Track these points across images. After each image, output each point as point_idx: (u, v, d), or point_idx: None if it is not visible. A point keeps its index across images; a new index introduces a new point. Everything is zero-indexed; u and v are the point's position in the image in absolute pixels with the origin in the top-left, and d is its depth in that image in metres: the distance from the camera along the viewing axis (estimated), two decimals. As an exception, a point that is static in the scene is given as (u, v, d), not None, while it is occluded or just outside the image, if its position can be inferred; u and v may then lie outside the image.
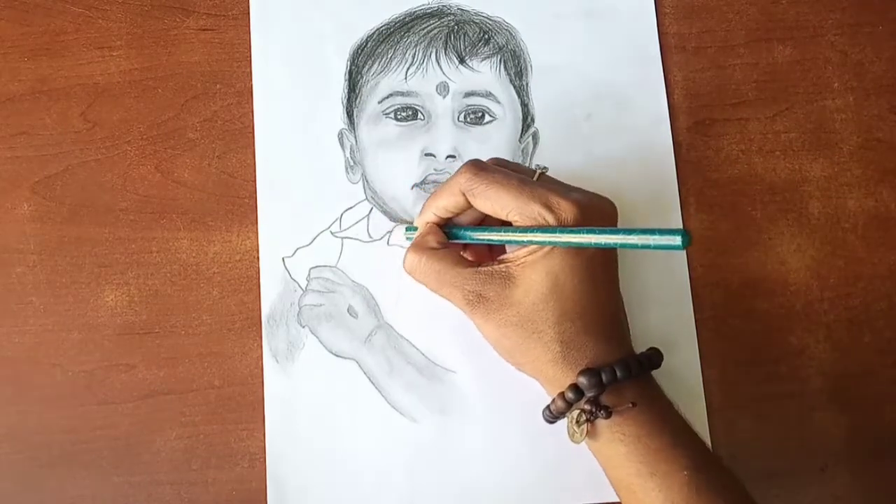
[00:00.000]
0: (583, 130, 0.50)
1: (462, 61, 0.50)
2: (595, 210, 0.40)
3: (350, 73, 0.51)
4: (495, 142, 0.49)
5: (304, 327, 0.48)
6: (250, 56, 0.51)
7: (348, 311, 0.48)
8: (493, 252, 0.45)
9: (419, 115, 0.50)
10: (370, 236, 0.49)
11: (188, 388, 0.47)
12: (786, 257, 0.48)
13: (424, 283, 0.43)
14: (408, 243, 0.45)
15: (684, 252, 0.48)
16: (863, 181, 0.49)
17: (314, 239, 0.49)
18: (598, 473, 0.45)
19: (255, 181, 0.49)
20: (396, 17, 0.51)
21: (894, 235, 0.49)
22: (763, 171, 0.49)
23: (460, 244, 0.44)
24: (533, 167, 0.42)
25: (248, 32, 0.51)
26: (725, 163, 0.50)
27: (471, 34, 0.51)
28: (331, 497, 0.46)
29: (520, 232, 0.40)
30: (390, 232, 0.49)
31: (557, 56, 0.51)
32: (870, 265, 0.48)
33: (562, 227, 0.39)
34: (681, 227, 0.37)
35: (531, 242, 0.40)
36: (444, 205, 0.43)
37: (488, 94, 0.50)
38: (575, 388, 0.39)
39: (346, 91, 0.50)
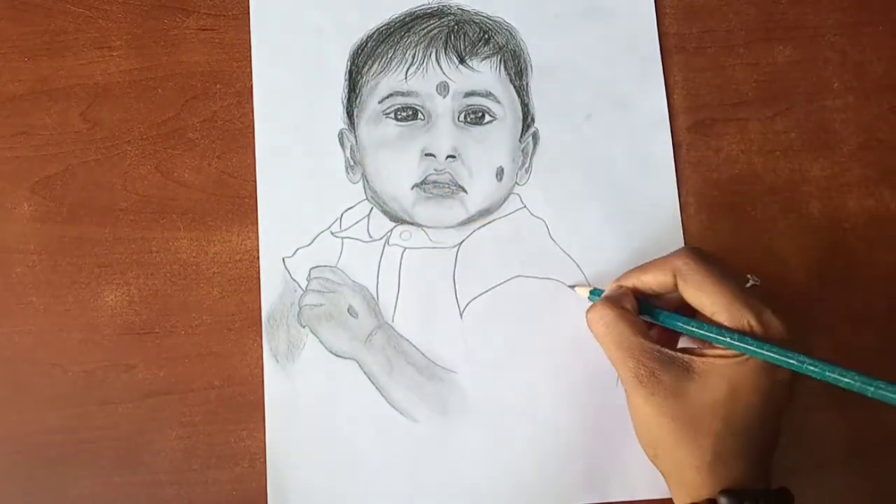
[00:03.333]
0: (583, 130, 0.50)
1: (462, 61, 0.50)
2: (796, 340, 0.39)
3: (350, 73, 0.51)
4: (495, 142, 0.49)
5: (304, 327, 0.48)
6: (250, 56, 0.51)
7: (348, 311, 0.48)
8: (672, 342, 0.44)
9: (419, 115, 0.50)
10: (370, 236, 0.49)
11: (188, 388, 0.47)
12: (786, 257, 0.48)
13: (600, 339, 0.41)
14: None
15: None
16: (863, 181, 0.49)
17: (314, 239, 0.49)
18: (598, 473, 0.45)
19: (255, 181, 0.49)
20: (396, 17, 0.51)
21: (894, 235, 0.49)
22: (763, 171, 0.49)
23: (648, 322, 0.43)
24: (748, 277, 0.41)
25: (248, 32, 0.51)
26: (725, 163, 0.50)
27: (471, 34, 0.51)
28: (331, 497, 0.46)
29: (730, 335, 0.38)
30: (391, 232, 0.49)
31: (557, 56, 0.51)
32: (870, 265, 0.48)
33: (772, 342, 0.38)
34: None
35: (739, 348, 0.38)
36: (650, 280, 0.42)
37: (488, 94, 0.50)
38: (712, 503, 0.37)
39: (346, 91, 0.51)
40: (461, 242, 0.49)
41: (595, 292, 0.45)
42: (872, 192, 0.49)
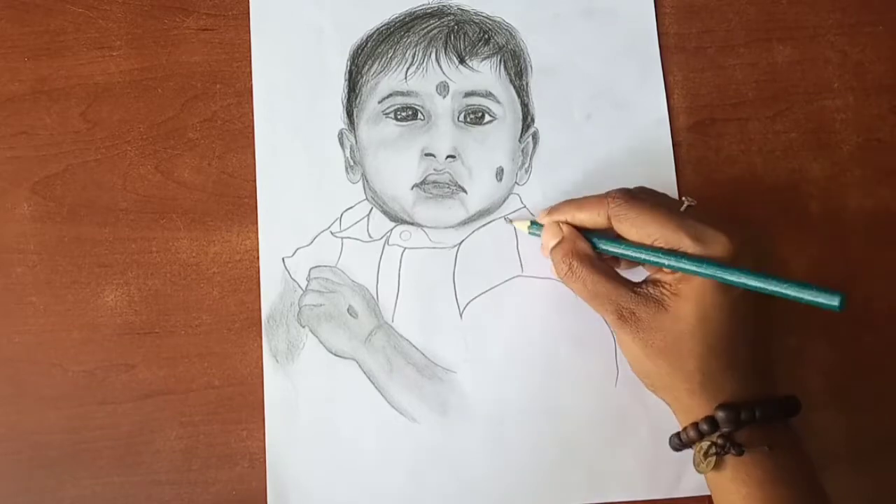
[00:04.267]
0: (583, 130, 0.50)
1: (462, 61, 0.50)
2: (744, 248, 0.40)
3: (350, 72, 0.51)
4: (495, 142, 0.49)
5: (304, 327, 0.48)
6: (250, 56, 0.51)
7: (348, 311, 0.48)
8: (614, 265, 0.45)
9: (419, 115, 0.50)
10: (370, 236, 0.49)
11: (188, 388, 0.47)
12: (786, 257, 0.48)
13: (578, 292, 0.43)
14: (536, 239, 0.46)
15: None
16: (863, 181, 0.49)
17: (314, 239, 0.49)
18: (597, 473, 0.45)
19: (255, 181, 0.49)
20: (396, 17, 0.51)
21: (894, 235, 0.49)
22: (763, 171, 0.49)
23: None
24: (683, 199, 0.42)
25: (248, 32, 0.51)
26: (725, 163, 0.50)
27: (471, 34, 0.51)
28: (331, 497, 0.46)
29: (669, 257, 0.40)
30: (390, 232, 0.49)
31: (557, 56, 0.51)
32: (870, 265, 0.48)
33: (711, 259, 0.39)
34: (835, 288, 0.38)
35: (677, 268, 0.40)
36: (582, 218, 0.44)
37: (488, 94, 0.50)
38: (711, 420, 0.39)
39: (346, 91, 0.50)
40: (461, 242, 0.49)
41: (534, 225, 0.46)
42: (872, 192, 0.49)
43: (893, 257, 0.48)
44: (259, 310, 0.48)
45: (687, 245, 0.40)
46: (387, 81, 0.50)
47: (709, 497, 0.42)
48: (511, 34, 0.51)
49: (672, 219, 0.41)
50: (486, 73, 0.50)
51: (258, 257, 0.49)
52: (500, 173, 0.49)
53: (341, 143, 0.50)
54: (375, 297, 0.48)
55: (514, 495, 0.46)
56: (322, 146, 0.50)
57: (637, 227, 0.41)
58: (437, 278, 0.48)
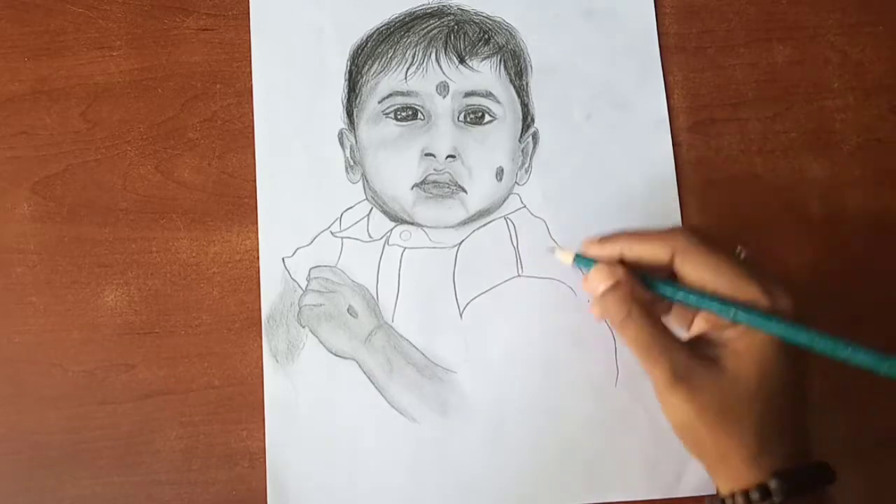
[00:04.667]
0: (583, 130, 0.50)
1: (462, 61, 0.50)
2: (803, 319, 0.38)
3: (350, 72, 0.51)
4: (495, 142, 0.49)
5: (304, 327, 0.48)
6: (250, 56, 0.51)
7: (348, 311, 0.48)
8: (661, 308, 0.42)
9: (419, 115, 0.50)
10: (370, 236, 0.49)
11: (188, 388, 0.47)
12: (786, 257, 0.48)
13: (628, 340, 0.39)
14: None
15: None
16: (863, 181, 0.49)
17: (314, 239, 0.49)
18: (597, 473, 0.45)
19: (255, 181, 0.49)
20: (396, 17, 0.51)
21: (894, 235, 0.49)
22: (763, 171, 0.49)
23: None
24: (737, 248, 0.40)
25: (248, 32, 0.51)
26: (725, 163, 0.50)
27: (471, 34, 0.51)
28: (331, 497, 0.46)
29: (738, 307, 0.37)
30: (390, 232, 0.49)
31: (557, 56, 0.51)
32: (870, 265, 0.48)
33: (780, 315, 0.37)
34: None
35: (746, 321, 0.37)
36: (641, 252, 0.40)
37: (488, 94, 0.50)
38: (763, 489, 0.37)
39: (346, 91, 0.51)
40: (461, 242, 0.49)
41: (580, 260, 0.42)
42: (872, 192, 0.49)
43: (893, 257, 0.48)
44: (259, 310, 0.48)
45: (757, 297, 0.37)
46: (387, 81, 0.50)
47: (708, 497, 0.42)
48: (511, 34, 0.51)
49: (742, 267, 0.38)
50: (486, 73, 0.50)
51: (258, 257, 0.49)
52: (500, 173, 0.49)
53: (341, 143, 0.50)
54: (375, 297, 0.48)
55: (514, 495, 0.46)
56: (322, 146, 0.50)
57: (705, 269, 0.38)
58: (437, 278, 0.48)
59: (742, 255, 0.40)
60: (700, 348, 0.39)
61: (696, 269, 0.38)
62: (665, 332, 0.38)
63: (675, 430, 0.39)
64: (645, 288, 0.39)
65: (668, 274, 0.40)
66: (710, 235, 0.40)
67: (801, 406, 0.39)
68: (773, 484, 0.37)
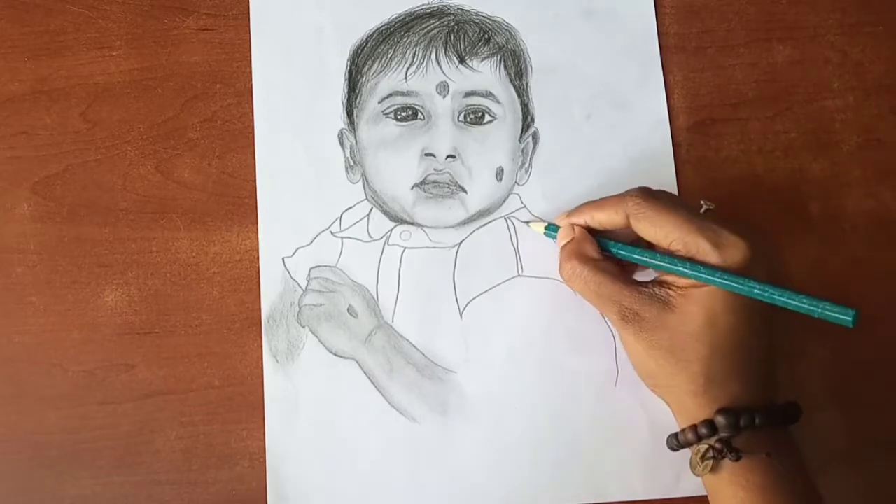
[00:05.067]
0: (583, 130, 0.50)
1: (462, 61, 0.50)
2: (759, 255, 0.40)
3: (350, 72, 0.51)
4: (495, 142, 0.49)
5: (304, 327, 0.48)
6: (250, 56, 0.51)
7: (348, 311, 0.48)
8: (628, 268, 0.45)
9: (419, 115, 0.50)
10: (370, 236, 0.49)
11: (188, 388, 0.47)
12: (786, 257, 0.48)
13: (581, 293, 0.43)
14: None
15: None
16: (863, 181, 0.49)
17: (314, 239, 0.49)
18: (597, 473, 0.45)
19: (255, 181, 0.49)
20: (396, 17, 0.51)
21: (894, 235, 0.49)
22: (763, 171, 0.49)
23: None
24: (701, 202, 0.43)
25: (248, 32, 0.51)
26: (725, 163, 0.50)
27: (471, 34, 0.51)
28: (331, 497, 0.46)
29: (683, 265, 0.40)
30: (390, 232, 0.49)
31: (557, 56, 0.51)
32: (870, 265, 0.48)
33: (726, 267, 0.39)
34: (849, 305, 0.38)
35: (693, 277, 0.40)
36: (601, 218, 0.43)
37: (488, 94, 0.50)
38: (710, 424, 0.39)
39: (346, 91, 0.51)
40: (461, 242, 0.49)
41: (550, 227, 0.46)
42: (872, 192, 0.49)
43: (893, 257, 0.48)
44: (259, 310, 0.48)
45: (705, 249, 0.40)
46: (387, 81, 0.50)
47: (707, 498, 0.42)
48: (511, 34, 0.51)
49: (692, 220, 0.40)
50: (486, 73, 0.50)
51: (258, 257, 0.49)
52: (500, 173, 0.49)
53: (341, 143, 0.50)
54: (375, 297, 0.48)
55: (514, 495, 0.46)
56: (322, 146, 0.50)
57: (656, 226, 0.41)
58: (437, 278, 0.48)
59: (704, 209, 0.42)
60: (654, 291, 0.41)
61: (648, 229, 0.41)
62: (615, 279, 0.42)
63: (634, 366, 0.43)
64: (597, 244, 0.44)
65: (635, 236, 0.43)
66: (665, 193, 0.43)
67: (756, 350, 0.41)
68: (718, 419, 0.39)
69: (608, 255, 0.44)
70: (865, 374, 0.47)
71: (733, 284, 0.39)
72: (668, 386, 0.41)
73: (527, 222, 0.48)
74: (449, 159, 0.49)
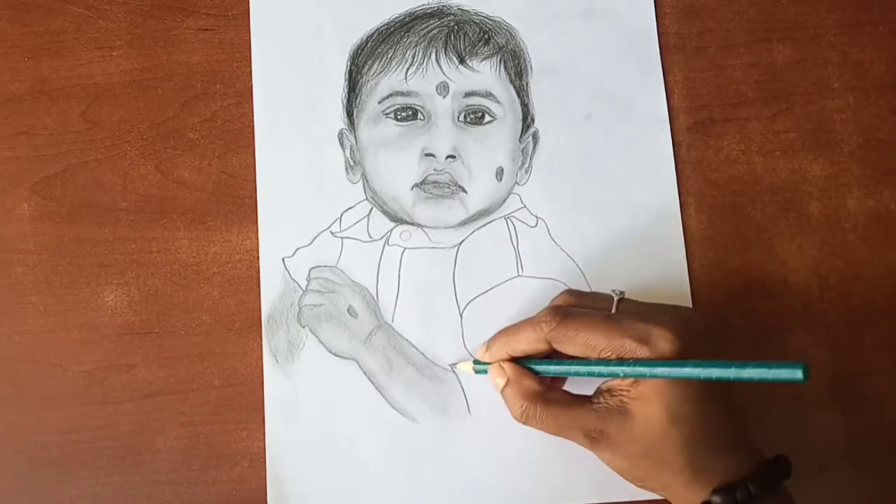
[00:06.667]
0: (583, 130, 0.50)
1: (462, 61, 0.50)
2: (689, 331, 0.39)
3: (350, 72, 0.51)
4: (495, 142, 0.49)
5: (304, 327, 0.48)
6: (250, 56, 0.51)
7: (348, 311, 0.48)
8: (559, 381, 0.45)
9: (419, 115, 0.50)
10: (370, 236, 0.49)
11: (188, 388, 0.47)
12: (786, 257, 0.48)
13: (541, 429, 0.42)
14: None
15: (684, 251, 0.48)
16: (863, 181, 0.49)
17: (314, 239, 0.49)
18: (598, 473, 0.45)
19: (255, 181, 0.49)
20: (396, 17, 0.51)
21: (894, 235, 0.49)
22: (763, 171, 0.49)
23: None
24: (610, 292, 0.42)
25: (248, 32, 0.51)
26: (725, 163, 0.50)
27: (471, 34, 0.51)
28: (330, 497, 0.46)
29: (619, 366, 0.39)
30: (390, 232, 0.49)
31: (557, 56, 0.51)
32: (870, 265, 0.48)
33: (659, 359, 0.38)
34: (794, 359, 0.38)
35: (634, 376, 0.39)
36: (523, 348, 0.42)
37: (488, 94, 0.50)
38: None
39: (346, 91, 0.51)
40: (461, 242, 0.49)
41: (477, 363, 0.45)
42: (872, 192, 0.49)
43: (893, 257, 0.48)
44: (259, 310, 0.48)
45: (633, 349, 0.39)
46: (387, 81, 0.50)
47: None
48: (511, 34, 0.51)
49: (611, 326, 0.40)
50: (486, 73, 0.50)
51: (258, 257, 0.49)
52: (500, 173, 0.49)
53: (341, 143, 0.50)
54: (375, 297, 0.48)
55: (514, 495, 0.46)
56: (322, 146, 0.50)
57: (578, 343, 0.40)
58: (437, 278, 0.48)
59: (617, 300, 0.42)
60: (608, 403, 0.40)
61: (572, 349, 0.40)
62: (567, 405, 0.41)
63: (621, 475, 0.41)
64: (535, 375, 0.42)
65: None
66: (580, 297, 0.43)
67: (728, 419, 0.40)
68: (714, 500, 0.38)
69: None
70: (865, 374, 0.47)
71: (675, 373, 0.37)
72: (659, 486, 0.41)
73: (452, 365, 0.47)
74: (449, 159, 0.49)
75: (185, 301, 0.48)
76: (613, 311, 0.42)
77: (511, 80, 0.50)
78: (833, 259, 0.48)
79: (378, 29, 0.51)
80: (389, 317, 0.48)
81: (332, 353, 0.47)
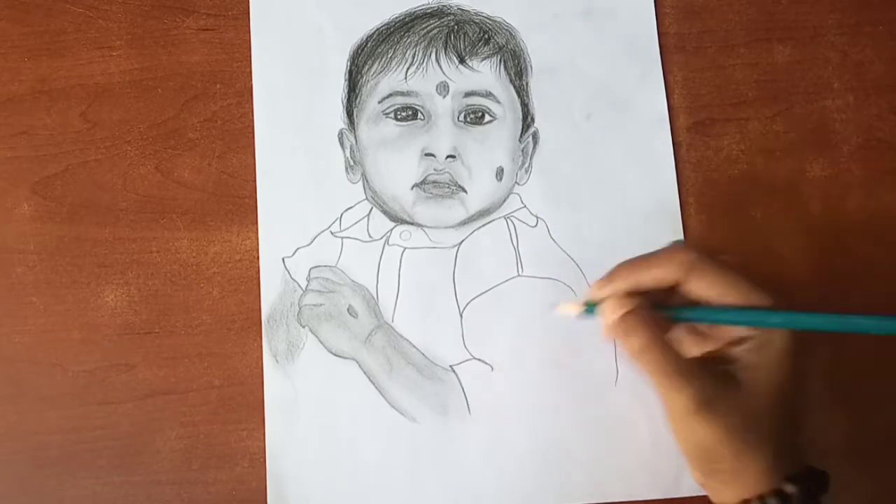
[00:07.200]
0: (583, 130, 0.50)
1: (462, 61, 0.50)
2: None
3: (350, 72, 0.51)
4: (495, 142, 0.49)
5: (304, 327, 0.48)
6: (250, 56, 0.51)
7: (348, 311, 0.48)
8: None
9: (419, 115, 0.50)
10: (370, 236, 0.49)
11: (188, 388, 0.47)
12: (786, 257, 0.48)
13: (649, 371, 0.38)
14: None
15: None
16: (863, 181, 0.49)
17: (314, 239, 0.49)
18: (597, 473, 0.45)
19: (255, 181, 0.49)
20: (396, 17, 0.51)
21: (894, 235, 0.49)
22: (763, 171, 0.49)
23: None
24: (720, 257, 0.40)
25: (248, 32, 0.51)
26: (725, 163, 0.50)
27: (471, 34, 0.51)
28: (331, 497, 0.46)
29: (758, 314, 0.37)
30: (390, 232, 0.49)
31: (557, 56, 0.51)
32: (870, 265, 0.48)
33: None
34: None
35: (771, 324, 0.37)
36: (647, 280, 0.38)
37: (488, 94, 0.50)
38: (781, 494, 0.37)
39: (346, 91, 0.51)
40: (461, 242, 0.49)
41: (590, 308, 0.40)
42: (872, 192, 0.49)
43: (893, 257, 0.48)
44: (259, 310, 0.48)
45: (764, 300, 0.37)
46: (387, 81, 0.50)
47: (707, 498, 0.42)
48: (511, 34, 0.51)
49: (743, 274, 0.38)
50: (486, 73, 0.50)
51: (258, 257, 0.49)
52: (500, 173, 0.49)
53: (341, 143, 0.50)
54: (375, 297, 0.48)
55: (514, 495, 0.46)
56: (322, 146, 0.50)
57: (719, 283, 0.38)
58: (437, 278, 0.48)
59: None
60: (714, 367, 0.38)
61: (711, 285, 0.38)
62: (684, 358, 0.38)
63: (690, 452, 0.39)
64: (659, 313, 0.39)
65: (667, 296, 0.39)
66: (708, 247, 0.41)
67: (804, 411, 0.40)
68: (788, 488, 0.37)
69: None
70: (865, 374, 0.47)
71: (815, 322, 0.37)
72: (730, 470, 0.38)
73: (553, 306, 0.43)
74: (449, 159, 0.49)
75: (185, 301, 0.48)
76: None
77: (511, 80, 0.50)
78: (833, 259, 0.48)
79: (378, 29, 0.51)
80: (389, 317, 0.48)
81: (332, 353, 0.47)
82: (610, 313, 0.39)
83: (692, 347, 0.41)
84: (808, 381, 0.40)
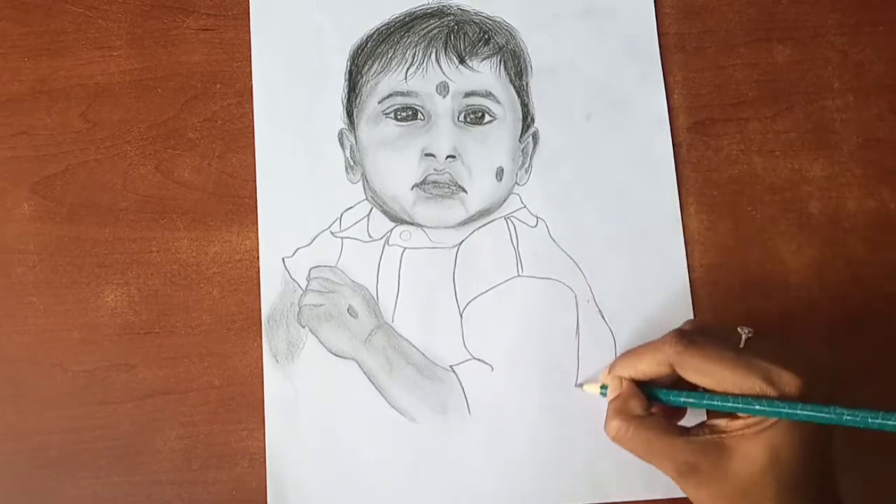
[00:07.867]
0: (583, 130, 0.50)
1: (462, 61, 0.50)
2: (816, 375, 0.38)
3: (350, 72, 0.51)
4: (495, 142, 0.49)
5: (304, 327, 0.48)
6: (250, 56, 0.51)
7: (348, 311, 0.48)
8: (677, 414, 0.44)
9: (419, 115, 0.50)
10: (370, 236, 0.49)
11: (188, 388, 0.47)
12: (786, 257, 0.48)
13: (631, 451, 0.41)
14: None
15: (684, 251, 0.48)
16: (863, 181, 0.49)
17: (314, 239, 0.49)
18: (597, 473, 0.45)
19: (255, 181, 0.50)
20: (396, 17, 0.51)
21: (894, 235, 0.49)
22: (763, 171, 0.49)
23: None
24: (739, 330, 0.40)
25: (248, 32, 0.51)
26: (725, 163, 0.50)
27: (471, 34, 0.51)
28: (331, 497, 0.46)
29: (759, 403, 0.37)
30: (390, 232, 0.49)
31: (557, 56, 0.51)
32: (870, 265, 0.48)
33: (787, 399, 0.37)
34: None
35: (754, 412, 0.38)
36: (645, 370, 0.42)
37: (488, 94, 0.50)
38: None
39: (346, 91, 0.51)
40: (461, 242, 0.49)
41: (604, 389, 0.44)
42: (872, 192, 0.49)
43: (893, 257, 0.48)
44: (259, 310, 0.48)
45: (762, 388, 0.38)
46: (387, 81, 0.50)
47: None
48: (511, 34, 0.51)
49: (739, 362, 0.38)
50: (486, 73, 0.50)
51: (258, 257, 0.49)
52: (500, 173, 0.49)
53: (341, 143, 0.50)
54: (375, 297, 0.48)
55: (514, 495, 0.46)
56: (322, 146, 0.50)
57: (703, 373, 0.39)
58: (437, 278, 0.48)
59: (743, 339, 0.40)
60: (709, 437, 0.39)
61: (695, 376, 0.40)
62: (663, 433, 0.40)
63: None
64: (644, 397, 0.42)
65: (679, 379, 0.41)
66: (701, 330, 0.41)
67: (824, 471, 0.39)
68: None
69: (660, 403, 0.42)
70: (865, 374, 0.47)
71: (818, 415, 0.37)
72: None
73: (580, 385, 0.46)
74: (449, 159, 0.49)
75: (185, 301, 0.48)
76: (742, 346, 0.40)
77: (511, 80, 0.50)
78: (833, 259, 0.48)
79: (378, 29, 0.51)
80: (389, 317, 0.48)
81: (332, 353, 0.47)
82: (609, 395, 0.43)
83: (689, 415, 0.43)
84: (828, 438, 0.39)
